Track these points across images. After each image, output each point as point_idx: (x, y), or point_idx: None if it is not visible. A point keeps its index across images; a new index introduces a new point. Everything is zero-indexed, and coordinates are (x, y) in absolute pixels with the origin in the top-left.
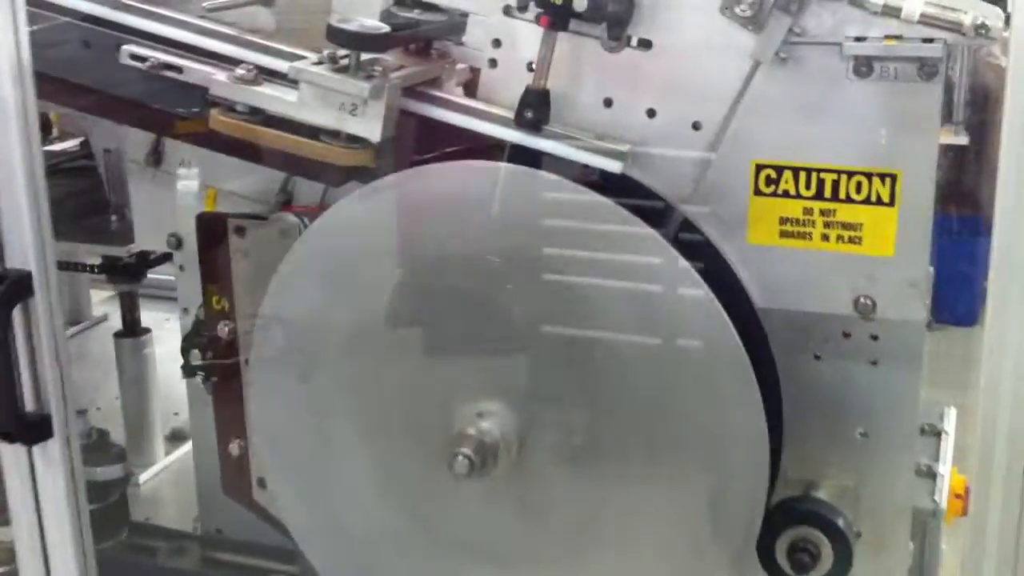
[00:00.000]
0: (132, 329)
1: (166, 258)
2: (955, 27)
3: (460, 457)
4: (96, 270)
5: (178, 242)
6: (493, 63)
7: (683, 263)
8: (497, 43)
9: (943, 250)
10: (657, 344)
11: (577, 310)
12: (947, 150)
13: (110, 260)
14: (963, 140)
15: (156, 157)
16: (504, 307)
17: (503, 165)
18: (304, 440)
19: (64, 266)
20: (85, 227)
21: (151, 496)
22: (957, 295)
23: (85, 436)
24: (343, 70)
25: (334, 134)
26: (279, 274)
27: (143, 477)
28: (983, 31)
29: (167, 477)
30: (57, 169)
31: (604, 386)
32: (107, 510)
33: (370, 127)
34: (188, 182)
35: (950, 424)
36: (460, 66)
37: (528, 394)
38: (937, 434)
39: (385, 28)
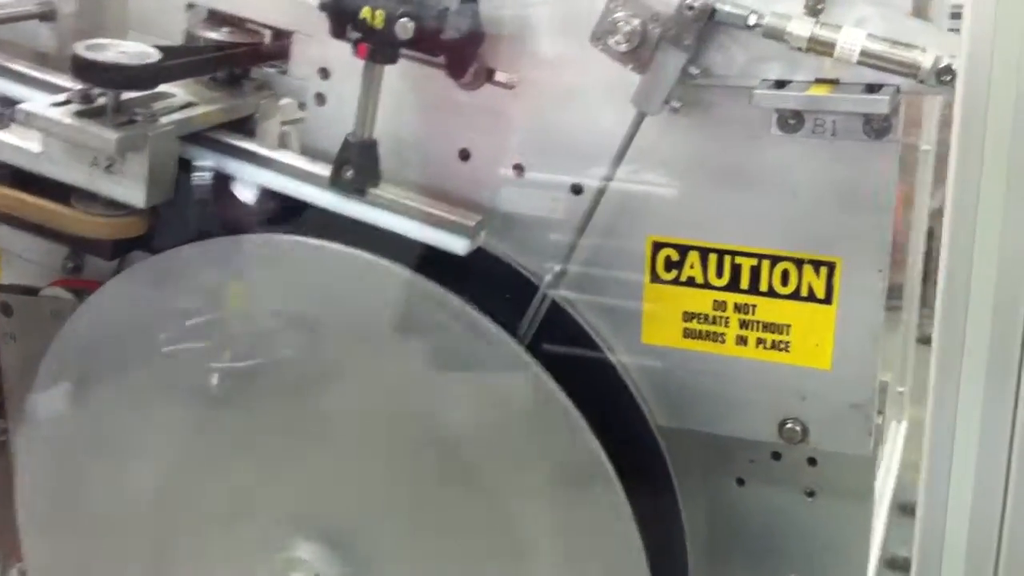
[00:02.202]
0: None
1: None
2: (910, 70)
3: None
4: None
5: None
6: (320, 99)
7: (533, 365)
8: (325, 73)
9: None
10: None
11: (394, 419)
12: None
13: None
14: None
15: None
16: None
17: (305, 241)
18: None
19: None
20: None
21: None
22: None
23: None
24: (97, 112)
25: (91, 196)
26: (40, 371)
27: None
28: (947, 77)
29: None
30: None
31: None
32: None
33: (131, 189)
34: None
35: None
36: (284, 101)
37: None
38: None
39: (153, 55)
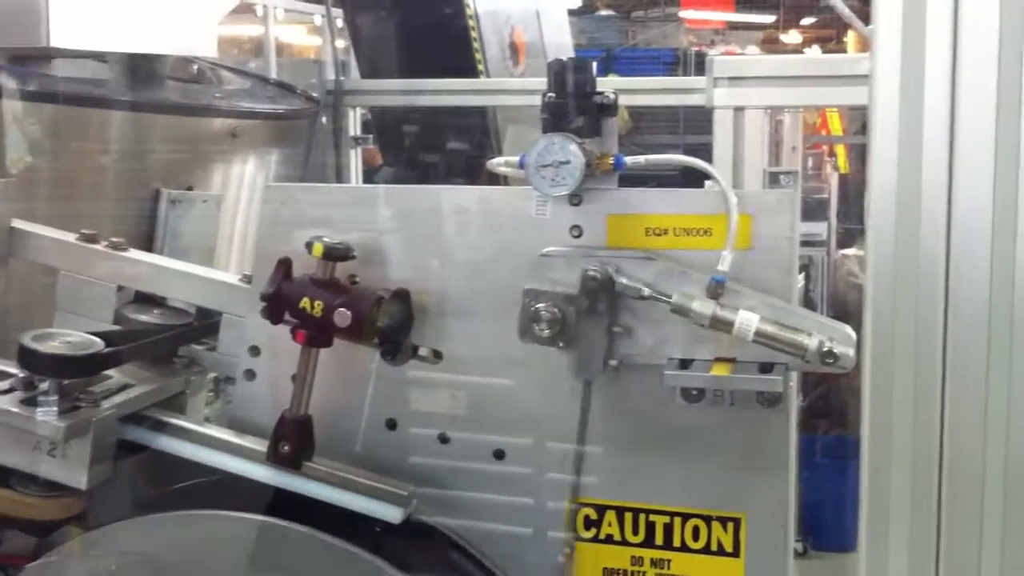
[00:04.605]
0: None
1: None
2: (797, 351)
3: None
4: None
5: None
6: (250, 375)
7: None
8: (255, 351)
9: (816, 473)
10: None
11: None
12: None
13: None
14: None
15: None
16: None
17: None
18: None
19: None
20: None
21: None
22: (833, 520)
23: None
24: (40, 398)
25: (30, 477)
26: None
27: None
28: (831, 359)
29: None
30: None
31: None
32: None
33: (73, 472)
34: None
35: None
36: (212, 376)
37: None
38: None
39: (96, 344)
